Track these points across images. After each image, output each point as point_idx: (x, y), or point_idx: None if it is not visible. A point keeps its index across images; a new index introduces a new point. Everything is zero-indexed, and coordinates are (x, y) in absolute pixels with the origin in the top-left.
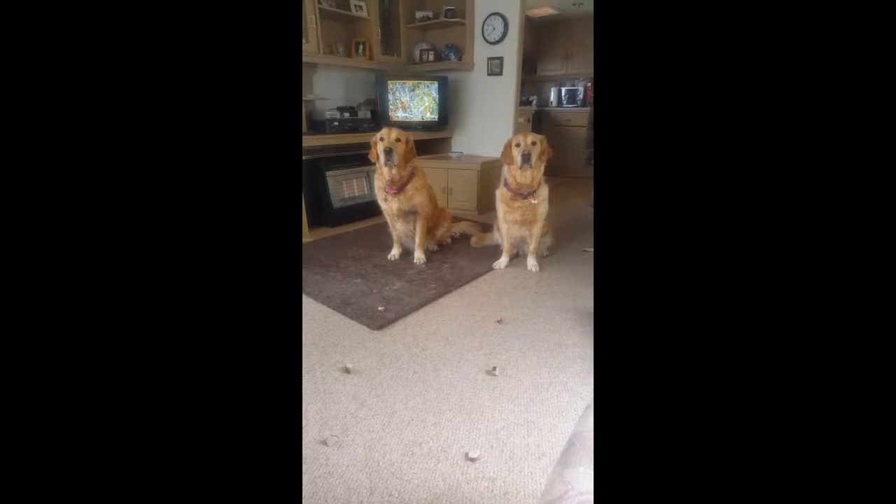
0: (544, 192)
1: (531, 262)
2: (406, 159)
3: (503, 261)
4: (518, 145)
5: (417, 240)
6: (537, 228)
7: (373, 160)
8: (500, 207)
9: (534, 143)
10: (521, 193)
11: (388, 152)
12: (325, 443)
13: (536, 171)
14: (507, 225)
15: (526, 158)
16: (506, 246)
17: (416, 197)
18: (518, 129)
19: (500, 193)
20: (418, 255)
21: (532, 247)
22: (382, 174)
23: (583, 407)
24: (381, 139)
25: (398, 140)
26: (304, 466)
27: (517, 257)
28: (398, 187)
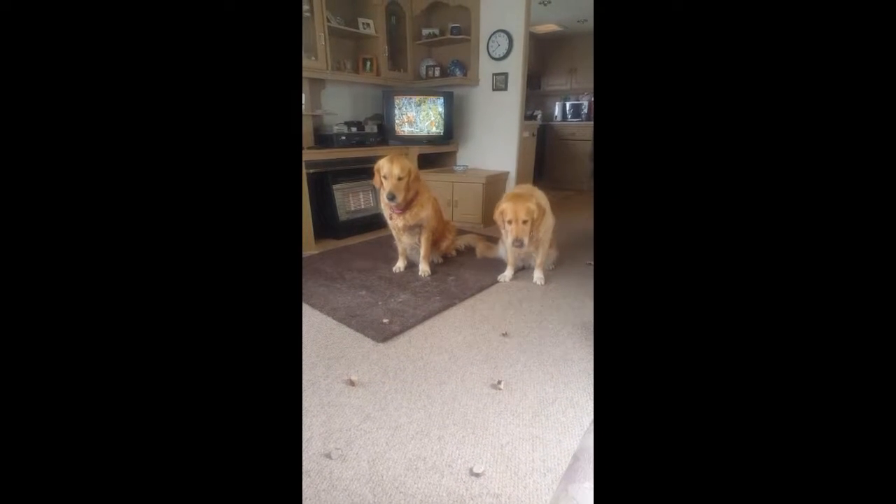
0: (549, 221)
1: (538, 276)
2: (410, 188)
3: (508, 274)
4: (510, 222)
5: (422, 252)
6: (542, 247)
7: (376, 186)
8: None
9: (525, 222)
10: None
11: (393, 197)
12: (328, 456)
13: (536, 231)
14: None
15: (519, 243)
16: (511, 259)
17: (421, 213)
18: (522, 144)
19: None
20: (423, 268)
21: (539, 260)
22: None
23: (588, 422)
24: (385, 177)
25: (400, 179)
26: (307, 480)
27: (522, 270)
28: (403, 208)
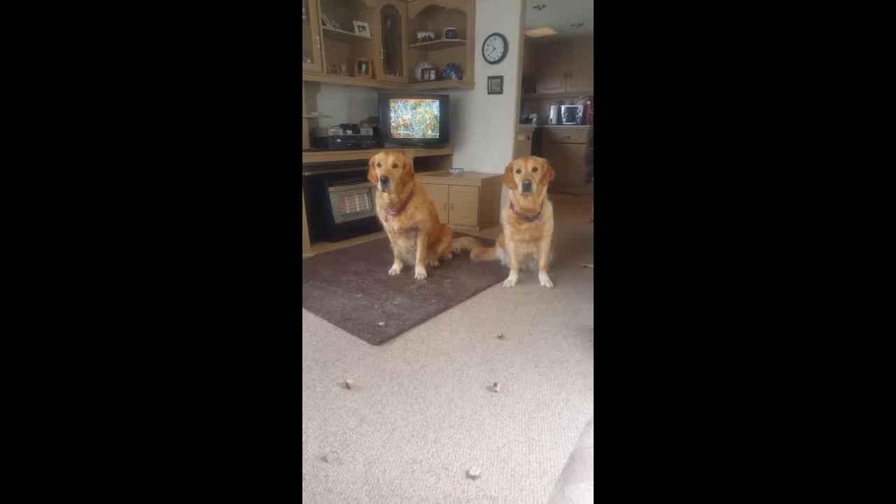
0: (549, 209)
1: (543, 279)
2: (403, 182)
3: (513, 278)
4: (519, 171)
5: (418, 255)
6: (545, 244)
7: (372, 181)
8: (507, 227)
9: (535, 170)
10: (527, 217)
11: (385, 181)
12: (324, 459)
13: (539, 195)
14: (515, 243)
15: (527, 187)
16: (513, 263)
17: (416, 215)
18: (517, 147)
19: (507, 215)
20: (419, 271)
21: (542, 261)
22: (382, 196)
23: (584, 424)
24: (378, 165)
25: (395, 166)
26: (303, 483)
27: (520, 272)
28: (398, 208)
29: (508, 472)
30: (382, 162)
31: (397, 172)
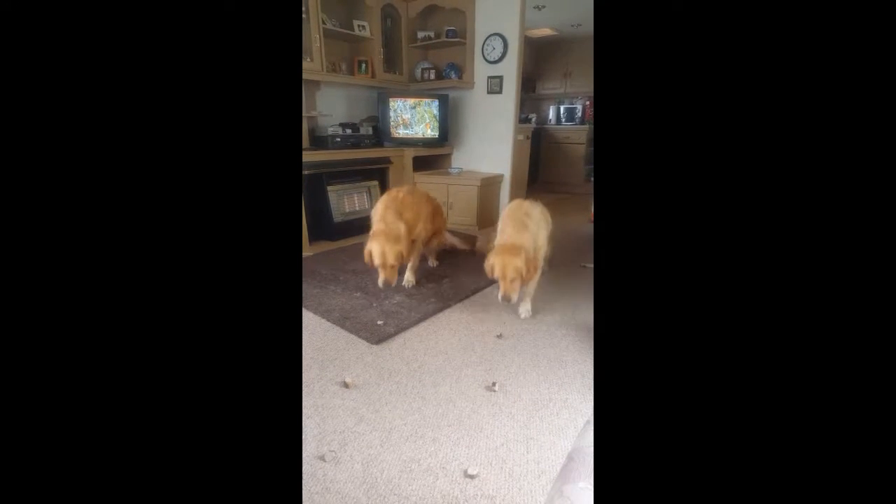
0: (542, 236)
1: (524, 309)
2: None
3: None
4: (500, 279)
5: (410, 264)
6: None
7: (369, 267)
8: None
9: (513, 280)
10: None
11: (389, 285)
12: (322, 458)
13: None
14: None
15: (507, 301)
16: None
17: (421, 234)
18: (517, 146)
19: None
20: (407, 277)
21: (528, 291)
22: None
23: (582, 423)
24: (379, 263)
25: (393, 266)
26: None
27: None
28: None
29: (507, 471)
30: (382, 265)
31: (398, 267)
